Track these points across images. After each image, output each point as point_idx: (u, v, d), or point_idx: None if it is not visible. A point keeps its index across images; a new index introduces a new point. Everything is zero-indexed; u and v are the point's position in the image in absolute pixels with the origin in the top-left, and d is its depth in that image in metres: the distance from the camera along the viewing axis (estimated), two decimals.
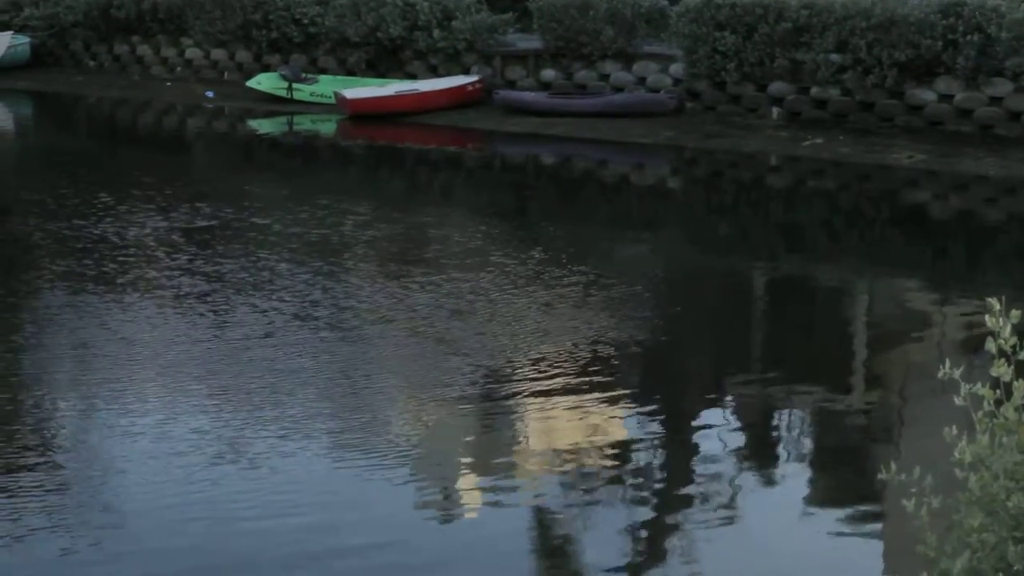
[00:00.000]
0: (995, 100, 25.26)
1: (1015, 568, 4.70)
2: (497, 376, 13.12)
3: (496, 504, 10.73)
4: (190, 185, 23.89)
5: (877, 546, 9.99)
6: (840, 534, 10.20)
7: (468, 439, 11.90)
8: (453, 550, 9.81)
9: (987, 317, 5.15)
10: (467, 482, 11.17)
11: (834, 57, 26.34)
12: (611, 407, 12.49)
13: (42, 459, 11.25)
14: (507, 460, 11.46)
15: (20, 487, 10.64)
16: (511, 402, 12.52)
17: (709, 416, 12.58)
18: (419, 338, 14.31)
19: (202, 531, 9.96)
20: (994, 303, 5.14)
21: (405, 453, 11.40)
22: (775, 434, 12.31)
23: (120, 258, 17.99)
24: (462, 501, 10.82)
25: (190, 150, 29.97)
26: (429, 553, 9.71)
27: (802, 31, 26.73)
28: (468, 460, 11.58)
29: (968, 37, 24.95)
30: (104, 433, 11.89)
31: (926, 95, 25.88)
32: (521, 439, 11.91)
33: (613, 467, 11.23)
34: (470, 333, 14.42)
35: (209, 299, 16.02)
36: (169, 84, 35.41)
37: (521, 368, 13.34)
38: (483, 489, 11.00)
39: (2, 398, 12.71)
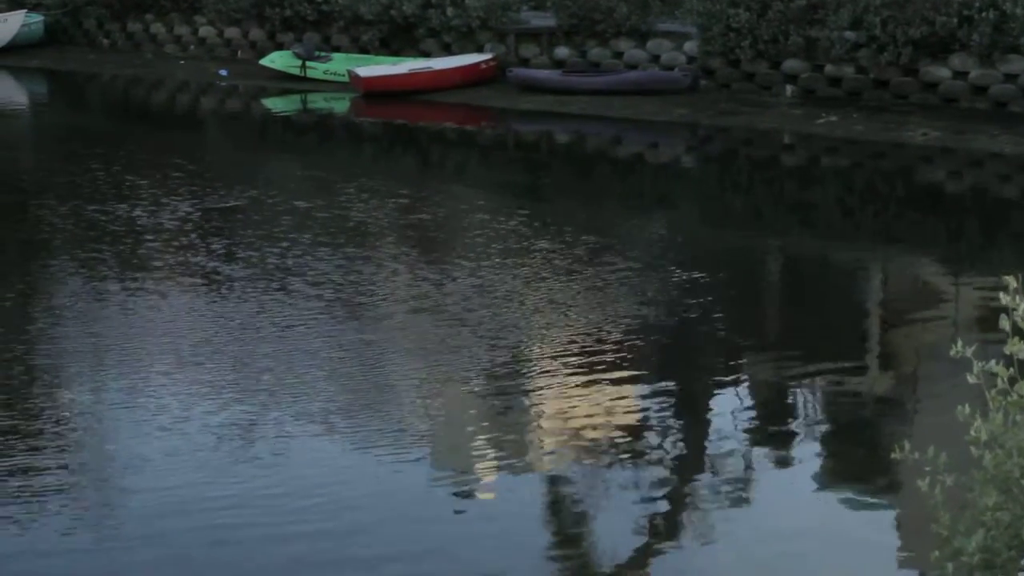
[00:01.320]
0: (1010, 77, 25.15)
1: None
2: (519, 359, 13.12)
3: (514, 491, 10.73)
4: (202, 165, 23.89)
5: (891, 524, 9.99)
6: (854, 512, 10.21)
7: (492, 428, 11.87)
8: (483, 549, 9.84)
9: (1002, 294, 5.14)
10: (490, 471, 11.20)
11: (848, 34, 26.24)
12: (625, 386, 12.49)
13: (53, 447, 11.29)
14: (528, 451, 11.48)
15: (30, 474, 10.69)
16: (534, 387, 12.53)
17: (723, 395, 12.60)
18: (441, 321, 14.33)
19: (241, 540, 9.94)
20: (1011, 280, 5.12)
21: (435, 448, 11.43)
22: (789, 413, 12.30)
23: (131, 239, 18.03)
24: (487, 493, 10.85)
25: (203, 128, 29.98)
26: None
27: (816, 8, 26.63)
28: (491, 449, 11.57)
29: (983, 14, 24.83)
30: (126, 424, 11.81)
31: (941, 72, 25.78)
32: (545, 426, 11.85)
33: (629, 447, 11.23)
34: (488, 314, 14.41)
35: (224, 282, 16.05)
36: (182, 62, 35.40)
37: (541, 350, 13.37)
38: (504, 473, 11.03)
39: (20, 382, 12.77)
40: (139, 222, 18.82)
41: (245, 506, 10.05)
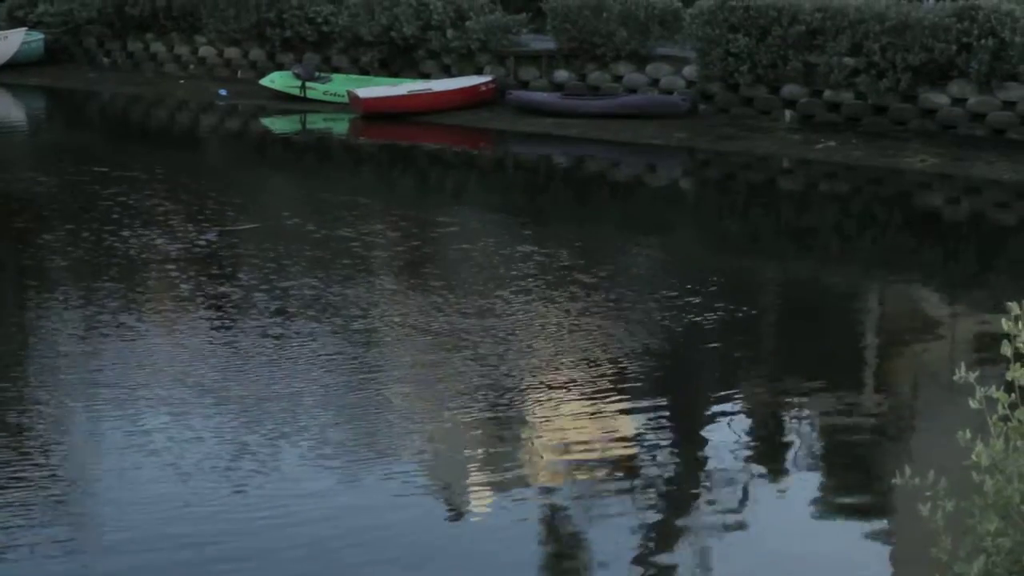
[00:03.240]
0: (1008, 104, 25.21)
1: None
2: (515, 383, 13.11)
3: (508, 509, 10.72)
4: (200, 186, 23.87)
5: (891, 550, 9.97)
6: (854, 537, 10.20)
7: (487, 451, 11.85)
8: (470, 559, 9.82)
9: (1003, 320, 5.14)
10: (483, 490, 11.18)
11: (847, 60, 26.31)
12: (621, 411, 12.48)
13: (36, 466, 11.24)
14: (524, 470, 11.47)
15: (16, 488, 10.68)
16: (530, 411, 12.51)
17: (721, 419, 12.57)
18: (435, 344, 14.32)
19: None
20: (1012, 306, 5.13)
21: (429, 468, 11.42)
22: (788, 437, 12.30)
23: (123, 260, 18.01)
24: (480, 511, 10.83)
25: (202, 148, 29.99)
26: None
27: (816, 34, 26.70)
28: (485, 472, 11.57)
29: (982, 41, 24.90)
30: (110, 445, 11.75)
31: (939, 99, 25.84)
32: (538, 448, 11.84)
33: (625, 472, 11.22)
34: (484, 337, 14.40)
35: (218, 304, 16.03)
36: (182, 82, 35.45)
37: (536, 373, 13.36)
38: (496, 493, 11.02)
39: (11, 396, 12.76)
40: (131, 244, 18.67)
41: (232, 522, 10.03)
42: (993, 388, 5.12)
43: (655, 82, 29.18)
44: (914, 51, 25.43)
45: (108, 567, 9.50)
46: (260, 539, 9.82)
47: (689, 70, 28.59)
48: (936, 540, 5.02)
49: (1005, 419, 5.06)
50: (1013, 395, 5.06)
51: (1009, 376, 5.04)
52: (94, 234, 19.04)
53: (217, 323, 15.05)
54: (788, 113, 27.26)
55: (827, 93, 26.89)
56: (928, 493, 5.13)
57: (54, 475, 10.92)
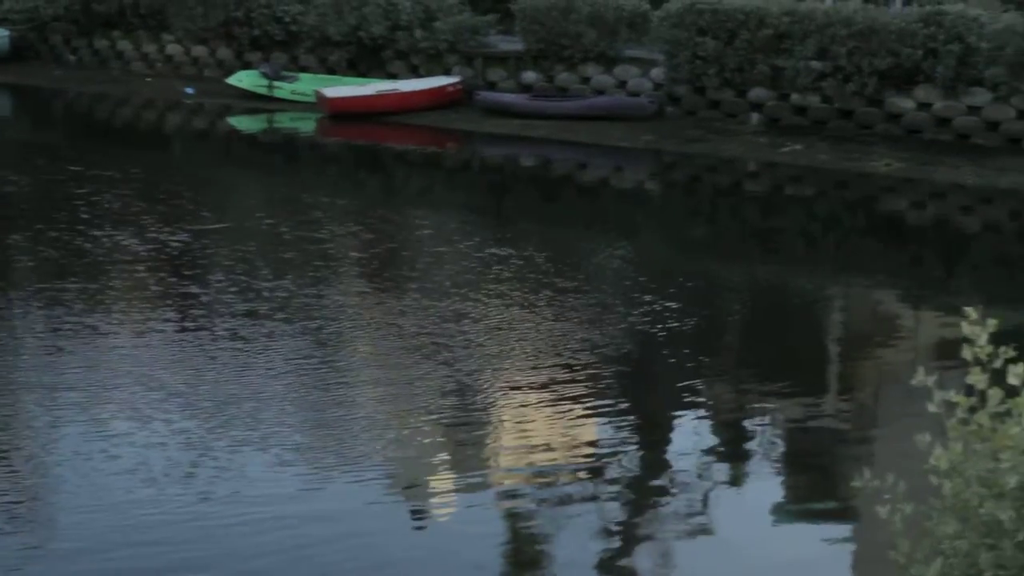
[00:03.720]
0: (973, 109, 25.37)
1: (987, 575, 4.71)
2: (480, 384, 13.11)
3: (475, 514, 10.72)
4: (165, 185, 23.76)
5: (850, 552, 10.01)
6: (814, 540, 10.24)
7: (451, 453, 11.85)
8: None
9: (963, 324, 5.16)
10: (448, 492, 11.17)
11: (814, 64, 26.42)
12: (584, 413, 12.48)
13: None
14: (489, 474, 11.47)
15: None
16: (493, 411, 12.52)
17: (682, 422, 12.60)
18: (400, 345, 14.30)
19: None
20: (971, 311, 5.15)
21: (394, 471, 11.40)
22: (749, 440, 12.32)
23: (87, 260, 17.92)
24: (443, 512, 10.82)
25: (168, 147, 29.83)
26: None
27: (783, 38, 26.80)
28: (451, 473, 11.56)
29: (948, 46, 25.05)
30: (74, 451, 11.71)
31: (905, 103, 25.98)
32: (502, 449, 11.85)
33: (587, 474, 11.23)
34: (451, 340, 14.39)
35: (184, 306, 15.96)
36: (149, 80, 35.28)
37: (502, 376, 13.36)
38: (464, 495, 11.01)
39: None
40: (96, 244, 18.54)
41: (196, 529, 9.98)
42: (952, 392, 5.14)
43: (623, 84, 29.24)
44: (880, 56, 25.56)
45: (69, 573, 9.42)
46: (225, 545, 9.75)
47: (657, 72, 28.65)
48: (895, 542, 5.04)
49: (964, 422, 5.08)
50: (972, 398, 5.07)
51: (969, 380, 5.06)
52: (59, 233, 18.89)
53: (184, 325, 14.94)
54: (755, 116, 27.35)
55: (794, 97, 27.00)
56: (887, 496, 5.15)
57: (11, 480, 10.83)
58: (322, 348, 14.07)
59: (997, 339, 5.14)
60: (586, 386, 13.04)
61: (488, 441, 11.95)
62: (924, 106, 25.79)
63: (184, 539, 9.76)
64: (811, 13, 26.53)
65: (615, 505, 10.70)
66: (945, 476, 5.00)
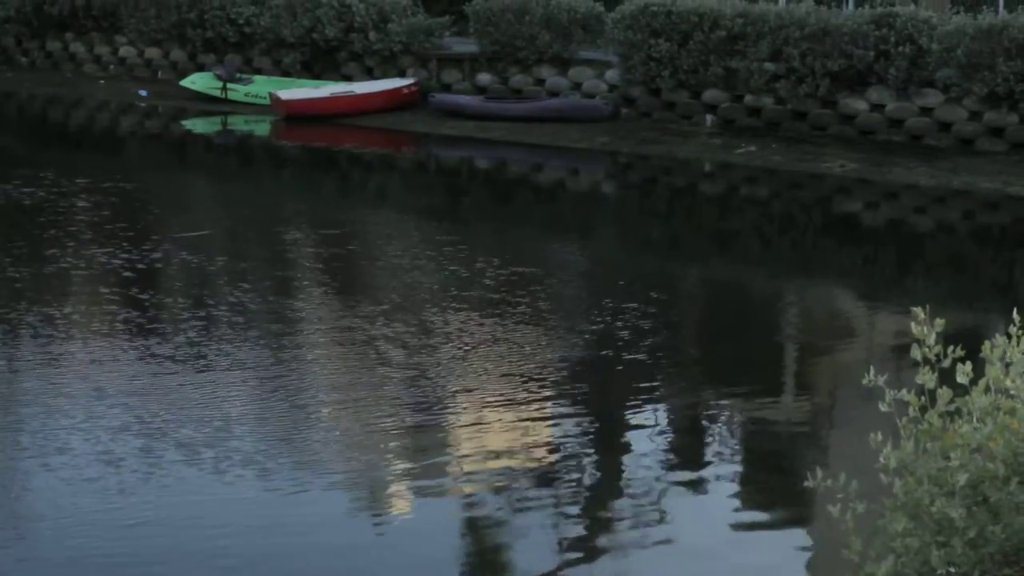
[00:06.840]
0: (925, 110, 25.54)
1: (938, 572, 4.75)
2: (437, 390, 13.09)
3: (433, 520, 10.70)
4: (118, 188, 23.58)
5: (803, 551, 10.05)
6: (766, 538, 10.28)
7: (412, 458, 11.82)
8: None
9: (912, 325, 5.21)
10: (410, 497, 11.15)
11: (768, 66, 26.54)
12: (544, 415, 12.49)
13: None
14: (448, 481, 11.45)
15: None
16: (455, 417, 12.50)
17: (638, 423, 12.60)
18: (358, 351, 14.26)
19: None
20: (919, 312, 5.19)
21: (355, 478, 11.36)
22: (703, 440, 12.35)
23: (36, 266, 17.78)
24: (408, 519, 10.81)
25: (121, 150, 29.63)
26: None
27: (736, 39, 26.90)
28: (410, 479, 11.54)
29: (900, 48, 25.21)
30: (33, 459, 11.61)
31: (858, 105, 26.12)
32: (462, 459, 11.81)
33: (548, 476, 11.23)
34: (406, 345, 14.37)
35: (140, 313, 15.84)
36: (102, 82, 35.08)
37: (459, 378, 13.34)
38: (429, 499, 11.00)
39: None
40: (47, 252, 18.21)
41: (159, 535, 9.93)
42: (904, 391, 5.18)
43: (577, 86, 29.28)
44: (833, 57, 25.70)
45: None
46: (185, 556, 9.67)
47: (611, 74, 28.71)
48: (847, 541, 5.07)
49: (915, 421, 5.13)
50: (923, 398, 5.12)
51: (918, 380, 5.11)
52: (7, 241, 18.71)
53: (139, 335, 14.69)
54: (709, 118, 27.45)
55: (748, 98, 27.11)
56: (840, 495, 5.19)
57: None
58: (279, 355, 13.99)
59: (947, 339, 5.19)
60: (543, 390, 13.03)
61: (447, 447, 11.92)
62: (877, 107, 25.94)
63: (142, 552, 9.69)
64: (764, 15, 26.65)
65: (569, 509, 10.71)
66: (896, 475, 5.04)
